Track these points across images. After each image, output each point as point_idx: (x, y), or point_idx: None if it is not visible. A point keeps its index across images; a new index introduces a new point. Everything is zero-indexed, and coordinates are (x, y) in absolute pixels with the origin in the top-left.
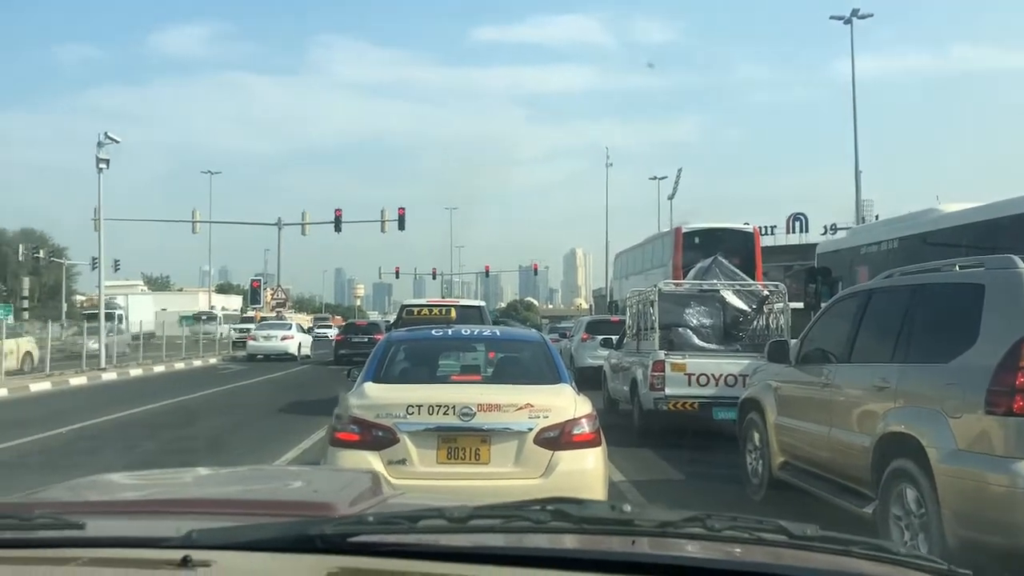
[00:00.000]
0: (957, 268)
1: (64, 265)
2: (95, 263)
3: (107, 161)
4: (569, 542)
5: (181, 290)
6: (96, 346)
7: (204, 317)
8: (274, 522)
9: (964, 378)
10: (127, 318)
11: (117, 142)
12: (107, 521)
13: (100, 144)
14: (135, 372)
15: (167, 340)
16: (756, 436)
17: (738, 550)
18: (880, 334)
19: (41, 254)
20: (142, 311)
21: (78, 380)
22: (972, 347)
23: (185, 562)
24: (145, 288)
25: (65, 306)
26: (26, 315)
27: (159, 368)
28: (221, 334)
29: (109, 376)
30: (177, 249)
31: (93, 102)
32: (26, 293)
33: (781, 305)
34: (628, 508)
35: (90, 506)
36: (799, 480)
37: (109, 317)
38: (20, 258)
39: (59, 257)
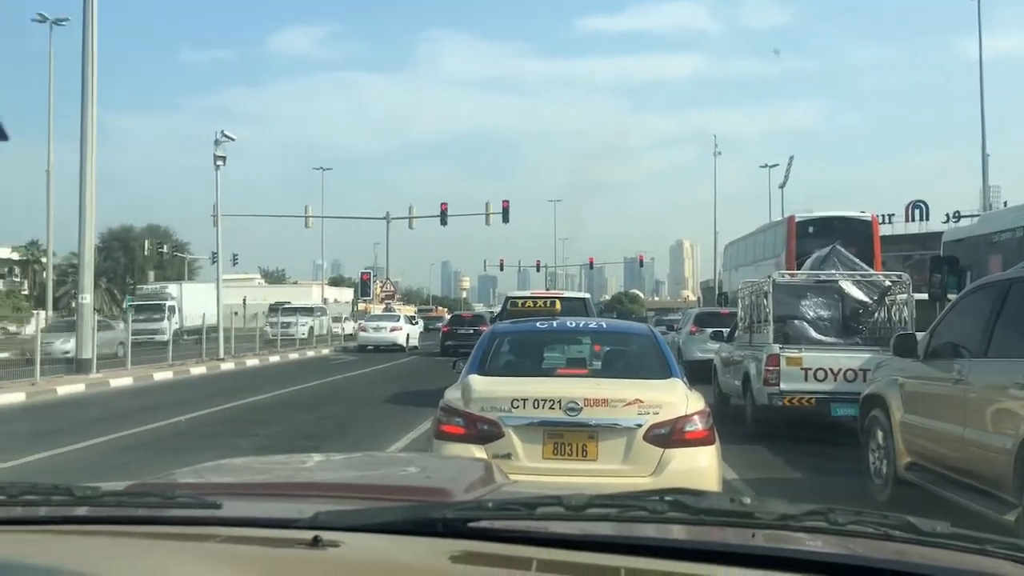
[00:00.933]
0: None
1: (186, 259)
2: (214, 257)
3: (224, 158)
4: (687, 533)
5: (296, 283)
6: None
7: (279, 309)
8: (396, 506)
9: None
10: (180, 310)
11: (233, 139)
12: (240, 502)
13: (217, 142)
14: (252, 362)
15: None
16: (880, 434)
17: (862, 546)
18: (1021, 328)
19: (165, 249)
20: (197, 303)
21: (198, 370)
22: None
23: (315, 542)
24: (262, 281)
25: None
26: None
27: (274, 358)
28: (307, 330)
29: (227, 366)
30: (292, 243)
31: (214, 103)
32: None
33: (904, 296)
34: (748, 500)
35: (224, 488)
36: (928, 482)
37: (159, 309)
38: (146, 253)
39: (182, 252)
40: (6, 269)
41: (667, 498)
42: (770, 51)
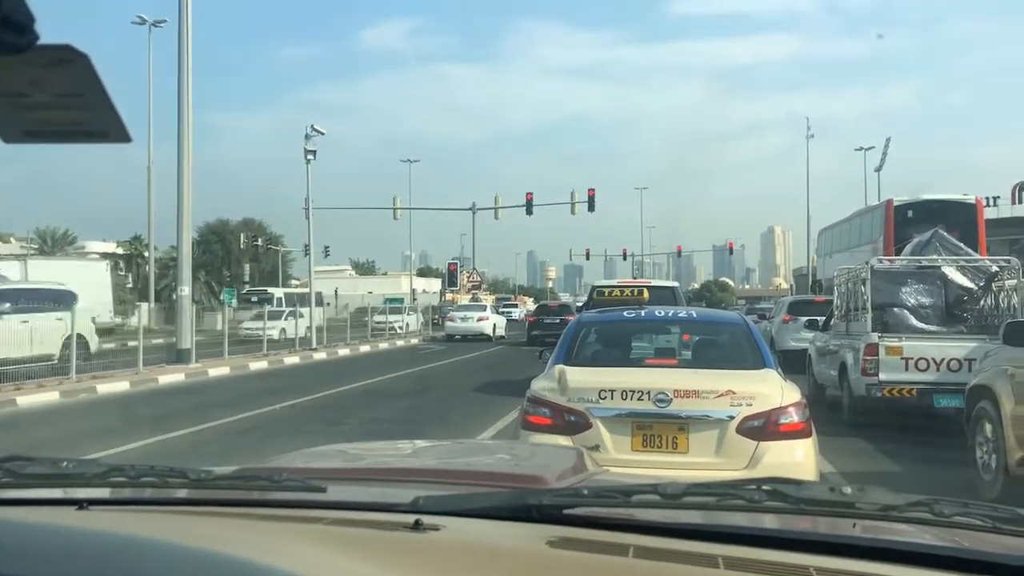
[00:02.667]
0: None
1: (280, 252)
2: (306, 250)
3: (314, 152)
4: (786, 522)
5: (385, 274)
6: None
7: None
8: (494, 491)
9: None
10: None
11: (323, 134)
12: (344, 486)
13: (307, 136)
14: (343, 352)
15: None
16: (988, 427)
17: (969, 539)
18: None
19: (260, 242)
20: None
21: (292, 359)
22: None
23: (417, 525)
24: (352, 272)
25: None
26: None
27: (365, 348)
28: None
29: (319, 356)
30: (382, 235)
31: (306, 98)
32: (247, 278)
33: (1013, 282)
34: (848, 490)
35: (328, 472)
36: None
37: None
38: (241, 246)
39: (275, 244)
40: (113, 263)
41: (765, 487)
42: (867, 29)
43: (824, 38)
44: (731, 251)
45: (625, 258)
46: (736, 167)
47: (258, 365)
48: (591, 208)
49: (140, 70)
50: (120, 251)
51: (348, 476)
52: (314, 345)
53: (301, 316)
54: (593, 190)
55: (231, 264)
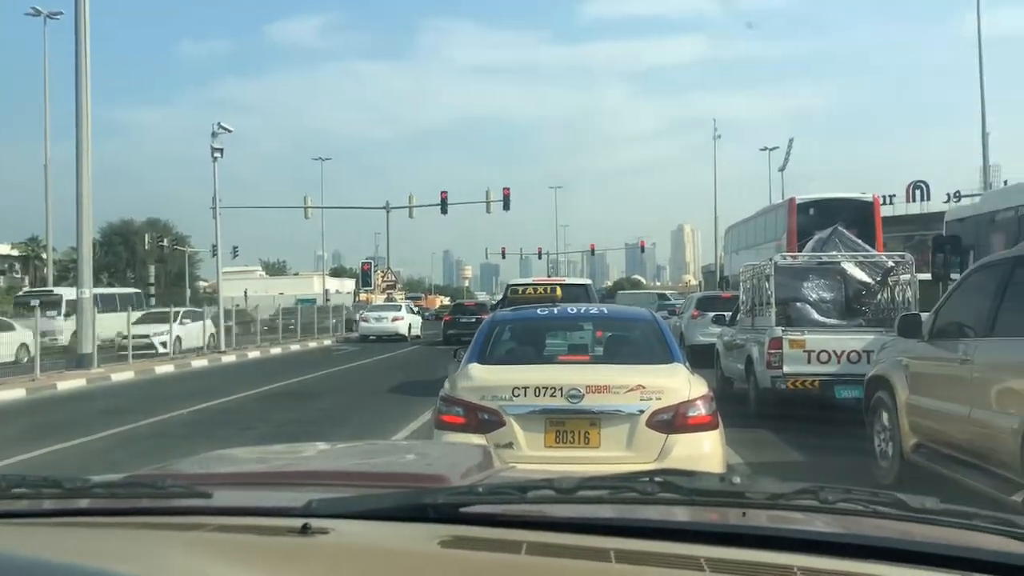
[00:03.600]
0: None
1: (186, 253)
2: (214, 250)
3: (221, 150)
4: (678, 514)
5: (297, 274)
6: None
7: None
8: (388, 492)
9: None
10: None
11: (230, 131)
12: (233, 492)
13: (214, 133)
14: (253, 354)
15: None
16: (885, 416)
17: (852, 523)
18: None
19: (165, 243)
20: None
21: (200, 362)
22: None
23: (305, 529)
24: (262, 273)
25: (189, 292)
26: (152, 301)
27: (275, 350)
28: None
29: (229, 358)
30: (293, 235)
31: (213, 95)
32: (152, 280)
33: (908, 277)
34: (738, 480)
35: (217, 477)
36: (934, 463)
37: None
38: (146, 247)
39: (182, 245)
40: (6, 265)
41: (658, 479)
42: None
43: (732, 41)
44: (643, 249)
45: (540, 256)
46: (648, 166)
47: (164, 369)
48: (506, 207)
49: (36, 64)
50: (15, 253)
51: (239, 480)
52: (223, 348)
53: (190, 321)
54: (508, 189)
55: (136, 266)
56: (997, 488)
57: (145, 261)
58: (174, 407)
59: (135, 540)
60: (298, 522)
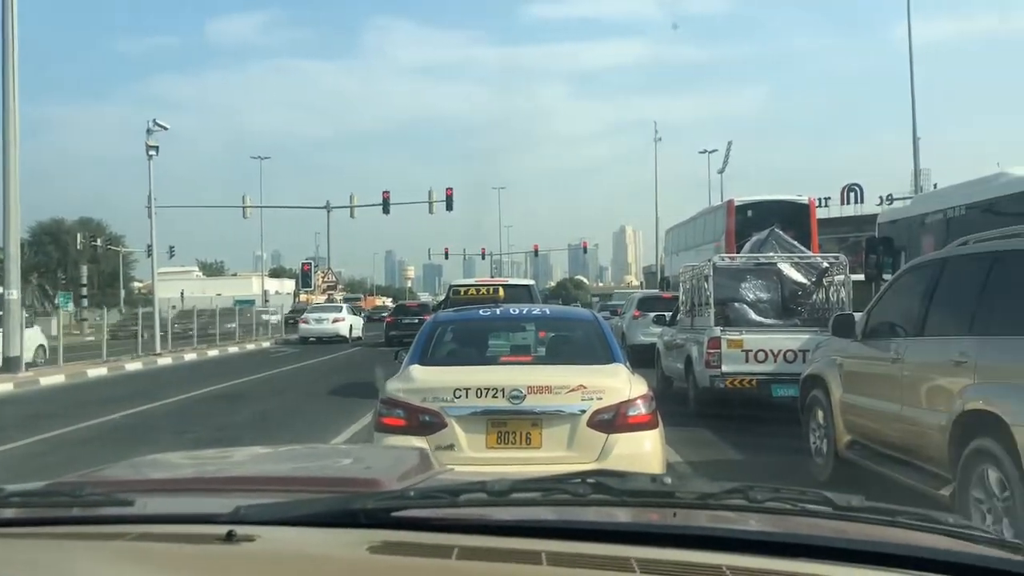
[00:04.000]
0: None
1: (121, 253)
2: (149, 250)
3: (156, 148)
4: (610, 515)
5: (235, 275)
6: None
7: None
8: (320, 497)
9: None
10: None
11: (166, 129)
12: (157, 498)
13: (149, 131)
14: (189, 357)
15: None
16: (820, 414)
17: (779, 522)
18: (956, 305)
19: (99, 242)
20: None
21: (134, 365)
22: None
23: (230, 537)
24: (199, 274)
25: (123, 293)
26: (85, 303)
27: (213, 352)
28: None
29: (164, 361)
30: (232, 235)
31: (152, 90)
32: (85, 281)
33: (842, 277)
34: (669, 480)
35: (142, 484)
36: (867, 460)
37: None
38: (79, 247)
39: (116, 245)
40: None
41: (590, 480)
42: (712, 37)
43: (671, 44)
44: (585, 250)
45: (484, 257)
46: (590, 168)
47: (97, 372)
48: (449, 207)
49: None
50: None
51: (164, 487)
52: (158, 350)
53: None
54: (451, 189)
55: (68, 266)
56: (927, 483)
57: (77, 261)
58: (106, 411)
59: (52, 551)
60: (223, 529)
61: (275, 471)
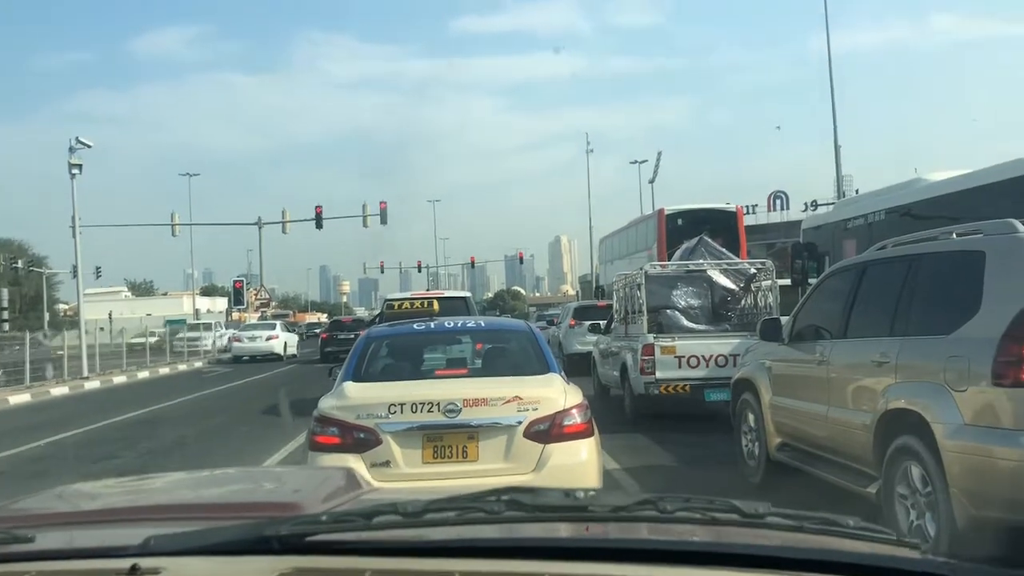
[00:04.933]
0: (954, 236)
1: (44, 274)
2: (74, 271)
3: (79, 166)
4: (523, 531)
5: (165, 294)
6: None
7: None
8: (231, 525)
9: (968, 349)
10: None
11: (89, 146)
12: (61, 533)
13: (72, 149)
14: (119, 379)
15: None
16: (751, 417)
17: (688, 531)
18: (877, 308)
19: (20, 264)
20: None
21: (59, 390)
22: (975, 317)
23: (134, 570)
24: (128, 294)
25: (48, 315)
26: (6, 326)
27: (143, 374)
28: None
29: (92, 384)
30: (161, 253)
31: (76, 107)
32: (5, 304)
33: (769, 283)
34: (582, 495)
35: (47, 518)
36: (798, 461)
37: None
38: None
39: (39, 266)
40: None
41: (504, 497)
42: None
43: (606, 58)
44: (521, 260)
45: (420, 270)
46: (525, 179)
47: (19, 398)
48: (384, 221)
49: None
50: None
51: (71, 520)
52: (85, 373)
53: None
54: (384, 203)
55: None
56: (854, 482)
57: None
58: (28, 439)
59: None
60: (127, 563)
61: (191, 498)
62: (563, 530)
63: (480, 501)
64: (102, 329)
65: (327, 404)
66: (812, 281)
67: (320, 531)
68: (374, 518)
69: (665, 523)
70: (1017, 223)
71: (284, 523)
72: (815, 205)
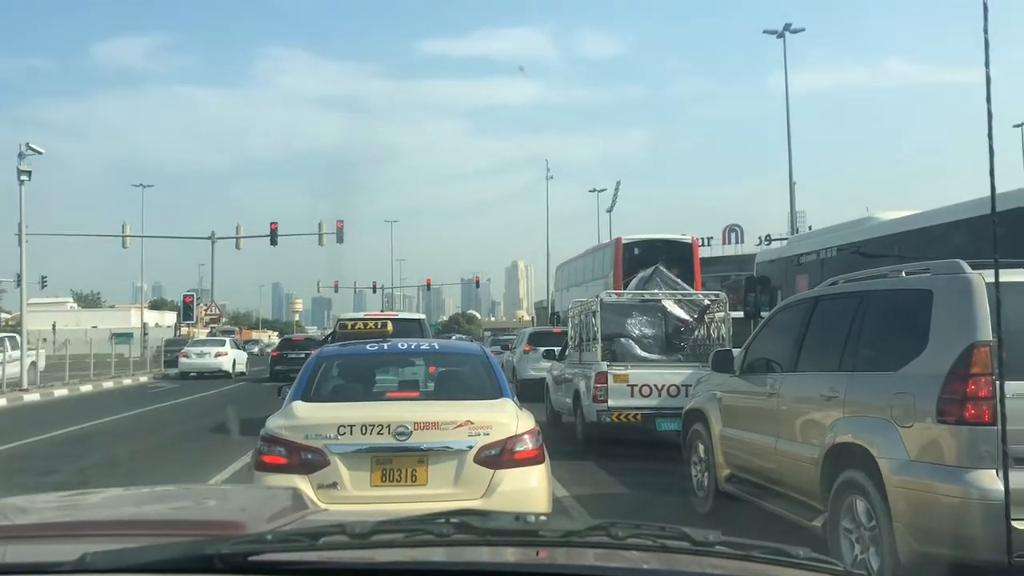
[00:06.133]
0: (904, 274)
1: None
2: (19, 280)
3: (29, 173)
4: (473, 554)
5: (113, 307)
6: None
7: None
8: (173, 542)
9: (914, 386)
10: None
11: (40, 153)
12: None
13: (21, 155)
14: (60, 392)
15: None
16: (701, 447)
17: (639, 558)
18: (826, 342)
19: None
20: None
21: None
22: (921, 354)
23: None
24: (74, 305)
25: None
26: None
27: (86, 387)
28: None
29: (32, 397)
30: (110, 265)
31: (29, 115)
32: None
33: (722, 314)
34: (533, 519)
35: None
36: (746, 492)
37: None
38: None
39: None
40: None
41: (453, 520)
42: (604, 79)
43: (568, 86)
44: (478, 284)
45: (375, 291)
46: (483, 204)
47: None
48: (340, 240)
49: None
50: None
51: (5, 534)
52: (25, 386)
53: None
54: (341, 222)
55: None
56: (801, 515)
57: None
58: None
59: None
60: None
61: (132, 515)
62: (513, 555)
63: (429, 523)
64: (44, 340)
65: (275, 423)
66: (765, 314)
67: (264, 551)
68: (320, 538)
69: (616, 549)
70: (964, 264)
71: (226, 542)
72: (769, 240)
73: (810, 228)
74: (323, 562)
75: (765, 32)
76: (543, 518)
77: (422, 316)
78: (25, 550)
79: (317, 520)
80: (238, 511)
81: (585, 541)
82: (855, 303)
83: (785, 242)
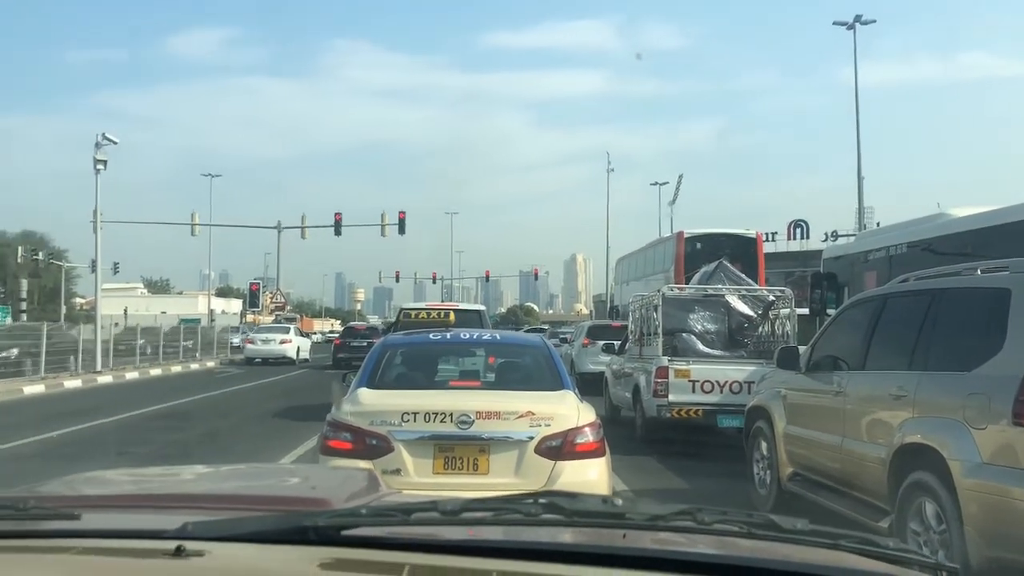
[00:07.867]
0: (979, 272)
1: (63, 268)
2: (93, 265)
3: (104, 162)
4: (560, 535)
5: (181, 293)
6: None
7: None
8: (268, 515)
9: (989, 387)
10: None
11: (115, 143)
12: (103, 514)
13: (98, 145)
14: (131, 375)
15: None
16: (763, 445)
17: (726, 544)
18: (896, 341)
19: (40, 256)
20: None
21: (73, 383)
22: (997, 355)
23: (179, 552)
24: (145, 291)
25: (64, 308)
26: (24, 317)
27: (156, 371)
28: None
29: (104, 379)
30: (179, 252)
31: (104, 105)
32: (24, 295)
33: (787, 311)
34: (620, 502)
35: (87, 500)
36: (809, 491)
37: None
38: (19, 260)
39: (59, 259)
40: None
41: (541, 500)
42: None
43: (632, 78)
44: (536, 277)
45: (435, 282)
46: (543, 196)
47: (33, 389)
48: (401, 231)
49: None
50: None
51: (110, 503)
52: (99, 368)
53: None
54: (403, 213)
55: (7, 280)
56: (866, 515)
57: (17, 275)
58: (43, 429)
59: None
60: (172, 544)
61: (220, 489)
62: (600, 536)
63: (517, 503)
64: (116, 324)
65: (341, 409)
66: (831, 311)
67: (358, 524)
68: (413, 514)
69: (702, 534)
70: None
71: (321, 515)
72: (835, 236)
73: (878, 224)
74: (413, 537)
75: (835, 24)
76: (630, 502)
77: (482, 307)
78: (131, 518)
79: (395, 500)
80: (320, 489)
81: (671, 525)
82: (927, 301)
83: (853, 238)
